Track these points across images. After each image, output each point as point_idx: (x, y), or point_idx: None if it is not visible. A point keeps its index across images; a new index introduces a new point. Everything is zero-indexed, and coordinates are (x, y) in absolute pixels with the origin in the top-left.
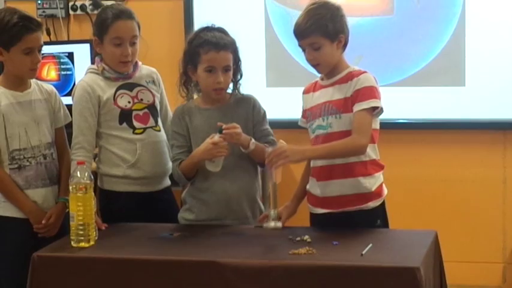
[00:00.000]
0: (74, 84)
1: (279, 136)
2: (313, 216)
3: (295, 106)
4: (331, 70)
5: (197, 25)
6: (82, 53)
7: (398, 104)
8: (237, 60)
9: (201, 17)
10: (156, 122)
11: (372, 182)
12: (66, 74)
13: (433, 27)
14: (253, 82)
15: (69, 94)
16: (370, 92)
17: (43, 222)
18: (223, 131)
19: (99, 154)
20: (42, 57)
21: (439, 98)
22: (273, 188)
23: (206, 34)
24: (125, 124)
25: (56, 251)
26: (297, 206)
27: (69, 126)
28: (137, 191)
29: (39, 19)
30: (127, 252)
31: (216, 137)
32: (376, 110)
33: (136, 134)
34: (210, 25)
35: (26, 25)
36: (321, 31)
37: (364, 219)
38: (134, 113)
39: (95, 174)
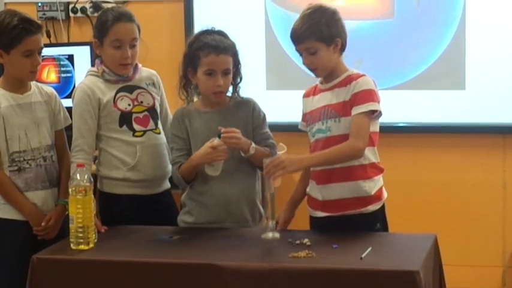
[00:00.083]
0: (74, 86)
1: (278, 139)
2: (313, 220)
3: (295, 109)
4: (329, 74)
5: (197, 28)
6: (82, 55)
7: (399, 107)
8: (236, 64)
9: (201, 20)
10: (156, 124)
11: (372, 186)
12: (66, 77)
13: (433, 31)
14: (253, 85)
15: (69, 96)
16: (369, 96)
17: (43, 224)
18: (222, 135)
19: (99, 156)
20: (42, 60)
21: (439, 102)
22: (271, 198)
23: (206, 37)
24: (125, 127)
25: (56, 253)
26: (294, 210)
27: (69, 128)
28: (137, 194)
29: (39, 21)
30: (126, 254)
31: (216, 141)
32: (374, 114)
33: (136, 136)
34: (210, 28)
35: (26, 27)
36: (315, 36)
37: (363, 222)
38: (134, 115)
39: (95, 176)
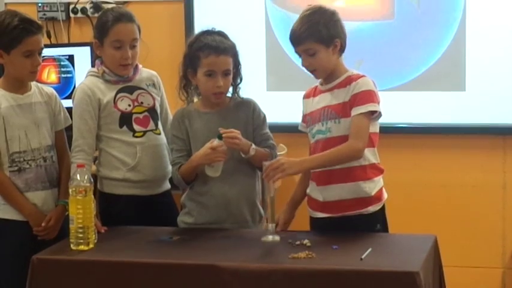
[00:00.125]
0: (74, 87)
1: (279, 140)
2: (313, 220)
3: (296, 110)
4: (329, 75)
5: (198, 28)
6: (82, 55)
7: (399, 108)
8: (237, 64)
9: (201, 20)
10: (156, 125)
11: (372, 187)
12: (66, 77)
13: (433, 32)
14: (253, 86)
15: (69, 97)
16: (368, 96)
17: (43, 225)
18: (224, 135)
19: (99, 157)
20: (43, 60)
21: (439, 103)
22: (271, 201)
23: (206, 38)
24: (125, 127)
25: (56, 254)
26: (295, 211)
27: (69, 129)
28: (137, 194)
29: (39, 22)
30: (126, 255)
31: (215, 142)
32: (374, 114)
33: (137, 137)
34: (210, 29)
35: (26, 28)
36: (314, 37)
37: (363, 223)
38: (134, 116)
39: (95, 177)
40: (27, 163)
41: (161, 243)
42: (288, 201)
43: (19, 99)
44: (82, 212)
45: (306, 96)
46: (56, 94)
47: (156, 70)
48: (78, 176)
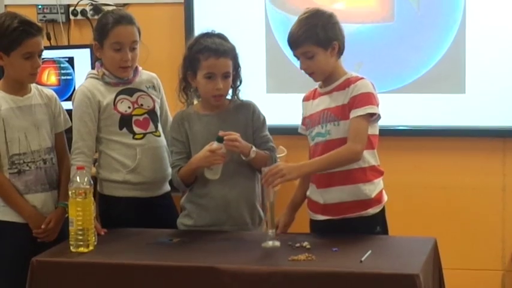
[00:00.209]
0: (74, 89)
1: (278, 142)
2: (313, 223)
3: (296, 112)
4: (328, 77)
5: (197, 30)
6: (82, 58)
7: (399, 110)
8: (236, 67)
9: (201, 23)
10: (156, 127)
11: (372, 189)
12: (66, 79)
13: (433, 34)
14: (253, 88)
15: (69, 99)
16: (367, 99)
17: (42, 227)
18: (225, 138)
19: (99, 159)
20: (43, 62)
21: (439, 105)
22: (271, 207)
23: (206, 40)
24: (125, 129)
25: (55, 256)
26: (295, 213)
27: (69, 131)
28: (137, 197)
29: (39, 24)
30: (126, 257)
31: (214, 145)
32: (373, 116)
33: (136, 139)
34: (210, 31)
35: (26, 30)
36: (312, 40)
37: (363, 225)
38: (134, 118)
39: (95, 179)
40: (27, 165)
41: (161, 245)
42: (288, 204)
43: (19, 101)
44: (82, 214)
45: (305, 99)
46: (56, 96)
47: (156, 72)
48: (78, 178)
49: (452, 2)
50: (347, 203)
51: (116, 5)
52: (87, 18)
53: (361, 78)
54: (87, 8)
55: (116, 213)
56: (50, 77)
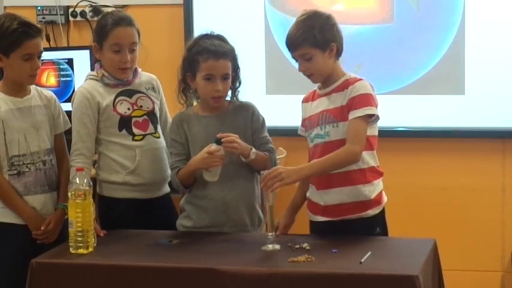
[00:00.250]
0: (74, 90)
1: (278, 144)
2: (313, 224)
3: (295, 114)
4: (327, 79)
5: (197, 32)
6: (82, 59)
7: (398, 112)
8: (235, 68)
9: (200, 24)
10: (156, 128)
11: (371, 190)
12: (65, 81)
13: (432, 35)
14: (252, 89)
15: (68, 100)
16: (366, 100)
17: (42, 228)
18: (223, 139)
19: (98, 160)
20: (42, 64)
21: (439, 106)
22: (270, 210)
23: (205, 42)
24: (124, 131)
25: (55, 258)
26: (295, 215)
27: (68, 132)
28: (136, 198)
29: (39, 25)
30: (126, 259)
31: (213, 147)
32: (372, 118)
33: (136, 140)
34: (209, 32)
35: (25, 31)
36: (310, 42)
37: (363, 227)
38: (134, 119)
39: (94, 180)
40: (27, 166)
41: (160, 246)
42: (288, 205)
43: (18, 102)
44: (81, 215)
45: (304, 101)
46: (56, 97)
47: (156, 74)
48: (77, 179)
49: (452, 3)
50: (347, 204)
51: (115, 6)
52: (87, 20)
53: (360, 79)
54: (87, 10)
55: (116, 214)
56: (50, 78)
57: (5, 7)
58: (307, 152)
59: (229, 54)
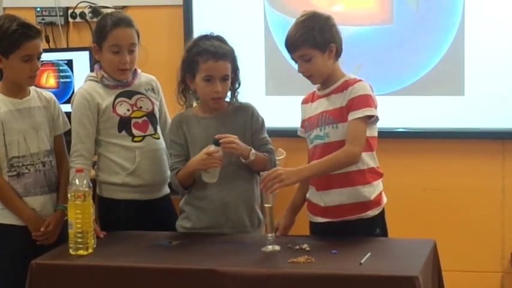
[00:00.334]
0: (73, 91)
1: (278, 145)
2: (313, 225)
3: (295, 115)
4: (326, 80)
5: (196, 33)
6: (81, 60)
7: (398, 113)
8: (235, 69)
9: (200, 25)
10: (155, 129)
11: (371, 191)
12: (65, 82)
13: (432, 36)
14: (252, 90)
15: (68, 102)
16: (365, 101)
17: (42, 229)
18: (221, 140)
19: (98, 162)
20: (41, 65)
21: (438, 107)
22: (269, 212)
23: (205, 43)
24: (124, 132)
25: (55, 259)
26: (295, 216)
27: (68, 133)
28: (136, 199)
29: (38, 26)
30: (125, 260)
31: (211, 148)
32: (371, 119)
33: (136, 141)
34: (208, 33)
35: (25, 32)
36: (309, 43)
37: (363, 227)
38: (133, 120)
39: (94, 181)
40: (26, 168)
41: (160, 247)
42: (288, 206)
43: (18, 103)
44: (81, 216)
45: (304, 102)
46: (55, 99)
47: (155, 74)
48: (77, 180)
49: (452, 4)
50: (346, 205)
51: (115, 7)
52: (86, 21)
53: (359, 80)
54: (86, 11)
55: (115, 215)
56: (49, 79)
57: (4, 8)
58: (306, 153)
59: (229, 55)
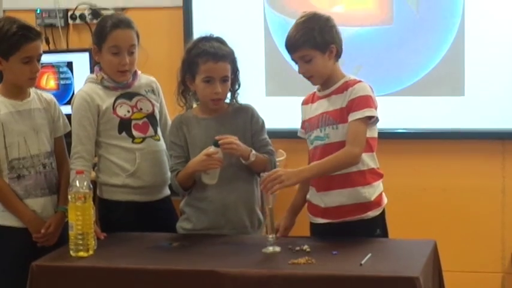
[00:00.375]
0: (73, 93)
1: (278, 146)
2: (313, 226)
3: (295, 116)
4: (326, 81)
5: (196, 34)
6: (81, 62)
7: (398, 113)
8: (235, 70)
9: (200, 26)
10: (156, 131)
11: (371, 192)
12: (65, 83)
13: (432, 37)
14: (252, 91)
15: (68, 103)
16: (365, 102)
17: (42, 231)
18: (221, 141)
19: (98, 163)
20: (41, 67)
21: (438, 108)
22: (270, 213)
23: (204, 44)
24: (124, 133)
25: (55, 261)
26: (295, 217)
27: (68, 135)
28: (136, 201)
29: (38, 28)
30: (126, 261)
31: (211, 149)
32: (371, 119)
33: (136, 143)
34: (208, 35)
35: (25, 34)
36: (309, 44)
37: (363, 228)
38: (133, 122)
39: (94, 183)
40: (27, 170)
41: (161, 249)
42: (288, 207)
43: (18, 105)
44: (81, 218)
45: (304, 103)
46: (55, 100)
47: (155, 76)
48: (77, 182)
49: (451, 4)
50: (347, 206)
51: (115, 9)
52: (86, 23)
53: (359, 81)
54: (86, 13)
55: (116, 217)
56: (49, 81)
57: (4, 10)
58: (307, 154)
59: (229, 57)
